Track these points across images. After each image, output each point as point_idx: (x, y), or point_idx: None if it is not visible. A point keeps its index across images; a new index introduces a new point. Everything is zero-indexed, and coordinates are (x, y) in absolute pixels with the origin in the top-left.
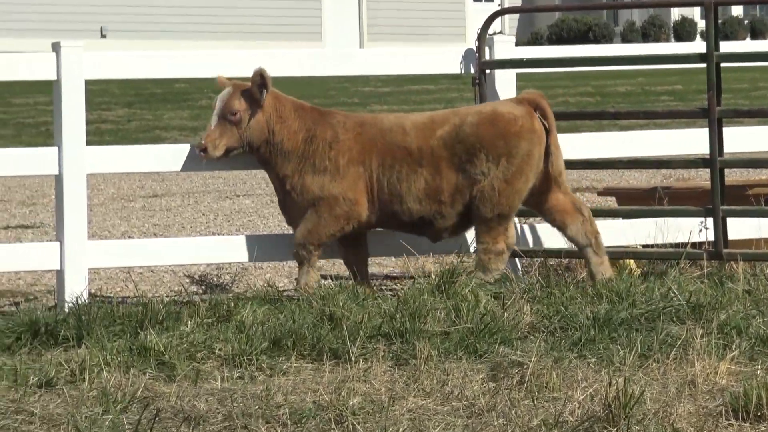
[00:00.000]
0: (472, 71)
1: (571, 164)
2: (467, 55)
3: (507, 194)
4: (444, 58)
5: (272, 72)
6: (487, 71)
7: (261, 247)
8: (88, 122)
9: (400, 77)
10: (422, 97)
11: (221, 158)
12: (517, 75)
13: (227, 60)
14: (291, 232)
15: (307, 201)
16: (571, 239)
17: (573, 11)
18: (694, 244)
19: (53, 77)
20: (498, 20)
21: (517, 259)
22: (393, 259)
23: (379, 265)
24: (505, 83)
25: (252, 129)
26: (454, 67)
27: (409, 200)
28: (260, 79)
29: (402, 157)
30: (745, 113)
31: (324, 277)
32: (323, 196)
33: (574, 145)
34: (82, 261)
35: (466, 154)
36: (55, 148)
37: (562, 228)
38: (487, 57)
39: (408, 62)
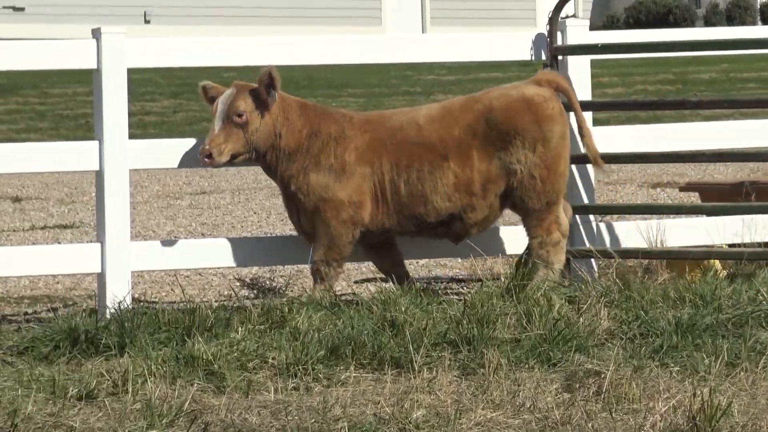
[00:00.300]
0: (543, 58)
1: (650, 158)
2: (538, 40)
3: (551, 180)
4: (511, 44)
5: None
6: (560, 57)
7: None
8: (130, 114)
9: (466, 65)
10: (489, 86)
11: (226, 165)
12: (592, 61)
13: (280, 47)
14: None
15: (312, 202)
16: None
17: None
18: None
19: (93, 66)
20: (571, 3)
21: (593, 260)
22: (459, 260)
23: (444, 266)
24: (579, 70)
25: (260, 132)
26: (524, 53)
27: (435, 199)
28: (268, 78)
29: (421, 154)
30: None
31: (385, 280)
32: (327, 198)
33: (653, 136)
34: (124, 263)
35: (500, 142)
36: (96, 142)
37: None
38: (559, 42)
39: (469, 48)
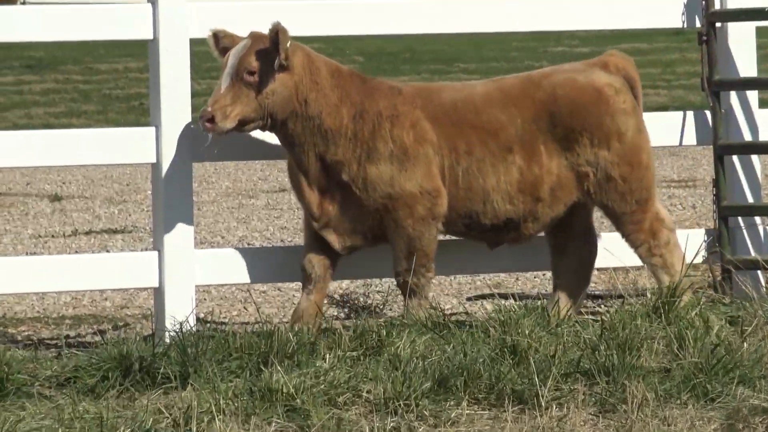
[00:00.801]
0: (698, 25)
1: None
2: (691, 4)
3: (636, 176)
4: (658, 8)
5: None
6: (718, 24)
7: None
8: (194, 94)
9: (602, 34)
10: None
11: (232, 132)
12: (757, 29)
13: (376, 12)
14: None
15: (375, 200)
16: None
17: None
18: None
19: (149, 36)
20: None
21: (759, 272)
22: (595, 272)
23: None
24: (741, 40)
25: (277, 95)
26: (674, 19)
27: (496, 198)
28: (276, 36)
29: (482, 141)
30: None
31: (504, 296)
32: (394, 194)
33: None
34: (187, 276)
35: (564, 140)
36: (152, 129)
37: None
38: (717, 5)
39: (606, 14)
